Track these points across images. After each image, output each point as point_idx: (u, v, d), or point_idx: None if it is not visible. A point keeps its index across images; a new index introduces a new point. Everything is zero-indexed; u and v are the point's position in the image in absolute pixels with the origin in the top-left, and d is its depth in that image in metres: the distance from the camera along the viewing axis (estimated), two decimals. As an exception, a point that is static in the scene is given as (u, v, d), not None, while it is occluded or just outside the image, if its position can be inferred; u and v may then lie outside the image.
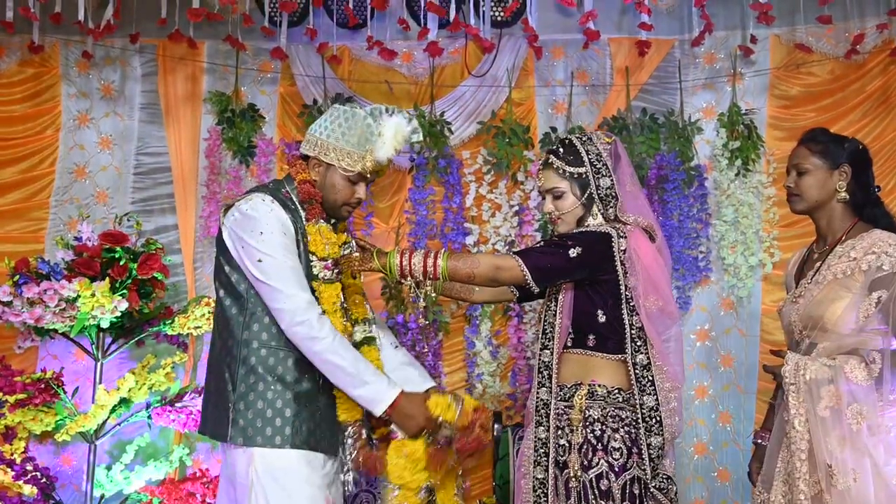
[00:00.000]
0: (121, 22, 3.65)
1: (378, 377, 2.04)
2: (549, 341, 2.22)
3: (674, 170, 3.70)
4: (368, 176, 2.16)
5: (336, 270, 2.13)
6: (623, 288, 2.16)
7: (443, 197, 3.84)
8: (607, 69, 3.95)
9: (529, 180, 3.83)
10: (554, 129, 3.85)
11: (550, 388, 2.20)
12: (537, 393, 2.22)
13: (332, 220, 2.22)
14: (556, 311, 2.22)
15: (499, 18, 3.89)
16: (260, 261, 2.04)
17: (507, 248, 3.79)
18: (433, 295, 2.21)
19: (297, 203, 2.15)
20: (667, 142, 3.78)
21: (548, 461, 2.16)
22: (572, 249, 2.12)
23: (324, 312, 2.06)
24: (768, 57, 3.88)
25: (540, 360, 2.24)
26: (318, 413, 2.07)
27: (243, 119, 3.84)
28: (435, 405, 2.04)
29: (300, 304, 2.01)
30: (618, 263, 2.15)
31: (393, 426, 2.07)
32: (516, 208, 3.83)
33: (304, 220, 2.13)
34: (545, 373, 2.23)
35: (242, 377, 2.04)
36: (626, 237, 2.17)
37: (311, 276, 2.09)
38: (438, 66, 3.94)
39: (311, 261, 2.10)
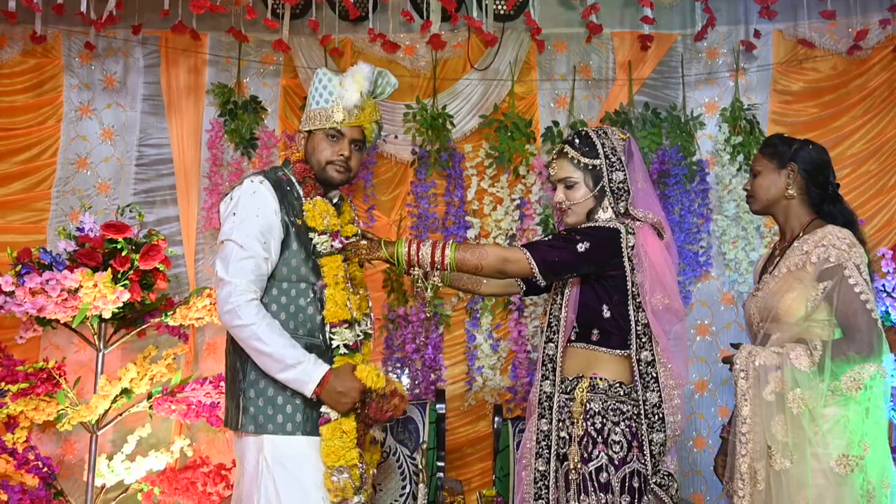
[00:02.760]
0: (123, 13, 3.64)
1: (304, 357, 2.01)
2: (553, 334, 2.23)
3: (675, 164, 3.70)
4: (344, 131, 2.17)
5: (340, 243, 2.12)
6: (630, 284, 2.16)
7: (444, 190, 3.84)
8: (610, 63, 3.95)
9: (531, 174, 3.83)
10: (556, 124, 3.85)
11: (554, 380, 2.21)
12: (540, 385, 2.23)
13: (336, 201, 2.23)
14: (561, 305, 2.23)
15: (501, 12, 3.89)
16: (222, 242, 2.06)
17: (508, 241, 3.80)
18: (439, 285, 2.21)
19: (294, 183, 2.15)
20: (669, 136, 3.79)
21: (549, 453, 2.17)
22: (580, 244, 2.13)
23: (326, 286, 2.06)
24: (771, 52, 3.88)
25: (544, 352, 2.25)
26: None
27: (245, 111, 3.84)
28: (366, 375, 2.02)
29: (232, 291, 1.99)
30: (625, 259, 2.16)
31: (323, 408, 2.03)
32: (518, 202, 3.83)
33: (302, 198, 2.14)
34: (549, 366, 2.23)
35: (253, 365, 2.04)
36: (634, 233, 2.17)
37: (315, 253, 2.09)
38: (441, 59, 3.94)
39: (312, 237, 2.10)
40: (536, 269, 2.12)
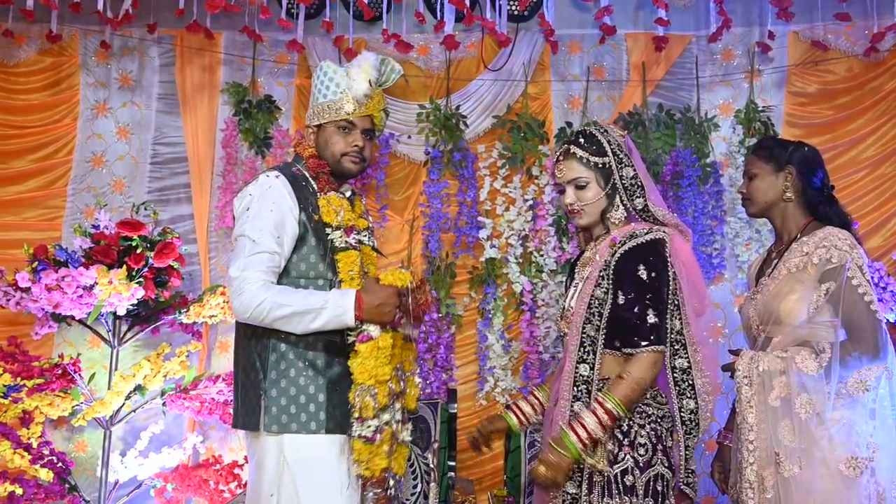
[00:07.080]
0: (139, 12, 3.68)
1: (328, 294, 1.99)
2: (587, 354, 2.12)
3: (689, 166, 3.69)
4: (356, 122, 2.16)
5: (356, 238, 2.11)
6: (669, 291, 2.13)
7: (457, 190, 3.85)
8: (623, 64, 3.95)
9: (544, 175, 3.83)
10: (569, 124, 3.85)
11: (588, 402, 2.08)
12: (571, 406, 2.10)
13: (348, 195, 2.21)
14: (598, 326, 2.12)
15: (515, 12, 3.89)
16: (235, 239, 2.04)
17: (520, 242, 3.79)
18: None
19: (308, 179, 2.14)
20: (683, 138, 3.78)
21: (581, 476, 2.07)
22: (662, 292, 2.09)
23: (341, 282, 2.04)
24: (786, 54, 3.87)
25: (576, 373, 2.12)
26: (346, 396, 2.02)
27: (260, 110, 3.86)
28: (393, 279, 2.00)
29: (242, 284, 1.97)
30: (670, 268, 2.13)
31: (365, 325, 1.99)
32: (530, 202, 3.83)
33: (317, 193, 2.12)
34: (582, 388, 2.11)
35: (273, 364, 2.03)
36: (668, 242, 2.14)
37: (333, 249, 2.08)
38: (454, 59, 3.94)
39: (328, 233, 2.08)
40: (664, 347, 2.09)
